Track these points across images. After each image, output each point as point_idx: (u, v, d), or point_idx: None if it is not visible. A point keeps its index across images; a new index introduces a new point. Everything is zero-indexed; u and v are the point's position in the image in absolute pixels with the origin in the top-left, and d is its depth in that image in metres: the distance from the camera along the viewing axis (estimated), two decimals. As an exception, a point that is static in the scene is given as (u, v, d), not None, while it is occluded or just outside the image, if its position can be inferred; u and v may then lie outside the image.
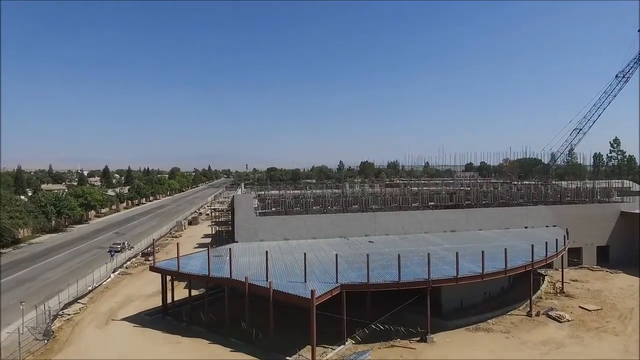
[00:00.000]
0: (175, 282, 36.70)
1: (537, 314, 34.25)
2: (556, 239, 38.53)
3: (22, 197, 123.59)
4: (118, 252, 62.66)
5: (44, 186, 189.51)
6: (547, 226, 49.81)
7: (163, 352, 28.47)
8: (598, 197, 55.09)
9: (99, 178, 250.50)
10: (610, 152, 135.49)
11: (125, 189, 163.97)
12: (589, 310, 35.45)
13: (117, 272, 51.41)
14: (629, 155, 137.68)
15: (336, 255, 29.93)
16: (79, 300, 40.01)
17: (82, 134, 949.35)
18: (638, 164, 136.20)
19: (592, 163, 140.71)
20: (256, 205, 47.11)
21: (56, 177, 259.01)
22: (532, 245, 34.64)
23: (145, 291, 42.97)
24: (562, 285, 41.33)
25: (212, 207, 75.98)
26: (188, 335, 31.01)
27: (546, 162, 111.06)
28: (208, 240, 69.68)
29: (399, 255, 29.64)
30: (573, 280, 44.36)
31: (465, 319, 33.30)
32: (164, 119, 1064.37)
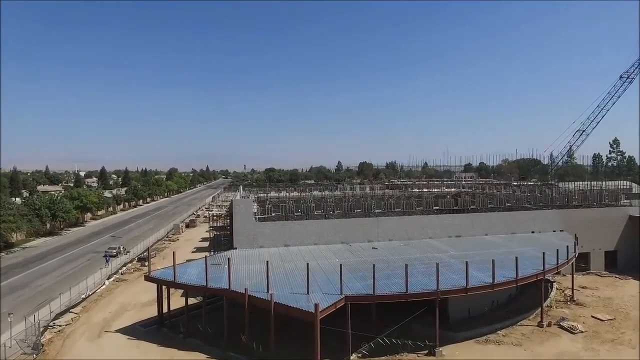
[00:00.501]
0: (172, 290, 35.21)
1: (549, 325, 32.91)
2: (567, 246, 37.20)
3: (18, 199, 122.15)
4: (113, 257, 61.13)
5: (40, 187, 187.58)
6: (554, 231, 48.50)
7: (158, 367, 27.04)
8: (606, 200, 53.82)
9: (96, 179, 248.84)
10: (610, 153, 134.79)
11: (122, 191, 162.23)
12: (602, 320, 34.11)
13: (112, 279, 49.90)
14: (628, 156, 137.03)
15: (340, 265, 28.52)
16: (71, 310, 38.52)
17: (81, 134, 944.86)
18: (638, 165, 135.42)
19: (591, 163, 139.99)
20: (255, 210, 45.65)
21: (53, 178, 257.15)
22: (544, 253, 33.24)
23: (140, 299, 41.51)
24: (573, 293, 40.00)
25: (210, 212, 74.42)
26: (184, 349, 29.55)
27: (545, 162, 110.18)
28: (206, 244, 68.16)
29: (406, 266, 28.23)
30: (582, 287, 43.03)
31: (474, 330, 31.94)
32: (163, 118, 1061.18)
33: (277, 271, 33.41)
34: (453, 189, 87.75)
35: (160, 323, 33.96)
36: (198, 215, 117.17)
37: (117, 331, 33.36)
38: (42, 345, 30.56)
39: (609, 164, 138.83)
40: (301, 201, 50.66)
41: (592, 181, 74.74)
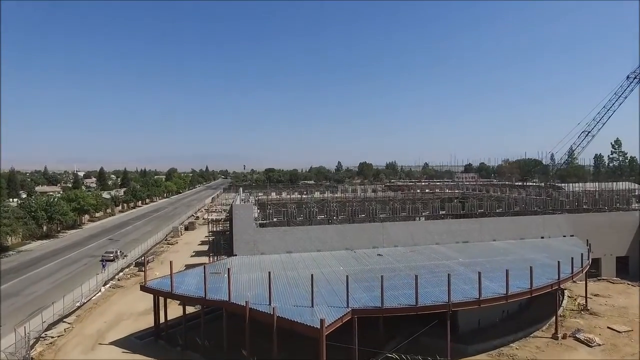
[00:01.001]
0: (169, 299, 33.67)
1: (564, 337, 31.39)
2: (581, 254, 35.69)
3: (16, 199, 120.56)
4: (110, 261, 59.64)
5: (38, 188, 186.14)
6: (564, 236, 47.06)
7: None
8: (617, 205, 52.35)
9: (95, 179, 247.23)
10: (612, 154, 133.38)
11: (121, 191, 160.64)
12: (619, 332, 32.61)
13: (108, 285, 48.38)
14: (630, 157, 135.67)
15: (347, 277, 26.98)
16: (64, 320, 36.94)
17: (80, 134, 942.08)
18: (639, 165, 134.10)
19: (592, 164, 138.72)
20: (256, 215, 44.14)
21: (51, 179, 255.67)
22: (559, 262, 31.76)
23: (137, 308, 39.97)
24: (586, 301, 38.53)
25: (209, 218, 72.90)
26: (182, 364, 28.07)
27: (546, 163, 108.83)
28: (205, 247, 66.49)
29: (416, 277, 26.72)
30: (594, 295, 41.52)
31: (485, 342, 30.46)
32: (163, 118, 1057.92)
33: (279, 281, 31.90)
34: (457, 190, 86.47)
35: (157, 334, 32.46)
36: (197, 217, 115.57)
37: (111, 343, 31.84)
38: (32, 359, 29.06)
39: (611, 164, 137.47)
40: (303, 206, 49.07)
41: (598, 182, 73.44)
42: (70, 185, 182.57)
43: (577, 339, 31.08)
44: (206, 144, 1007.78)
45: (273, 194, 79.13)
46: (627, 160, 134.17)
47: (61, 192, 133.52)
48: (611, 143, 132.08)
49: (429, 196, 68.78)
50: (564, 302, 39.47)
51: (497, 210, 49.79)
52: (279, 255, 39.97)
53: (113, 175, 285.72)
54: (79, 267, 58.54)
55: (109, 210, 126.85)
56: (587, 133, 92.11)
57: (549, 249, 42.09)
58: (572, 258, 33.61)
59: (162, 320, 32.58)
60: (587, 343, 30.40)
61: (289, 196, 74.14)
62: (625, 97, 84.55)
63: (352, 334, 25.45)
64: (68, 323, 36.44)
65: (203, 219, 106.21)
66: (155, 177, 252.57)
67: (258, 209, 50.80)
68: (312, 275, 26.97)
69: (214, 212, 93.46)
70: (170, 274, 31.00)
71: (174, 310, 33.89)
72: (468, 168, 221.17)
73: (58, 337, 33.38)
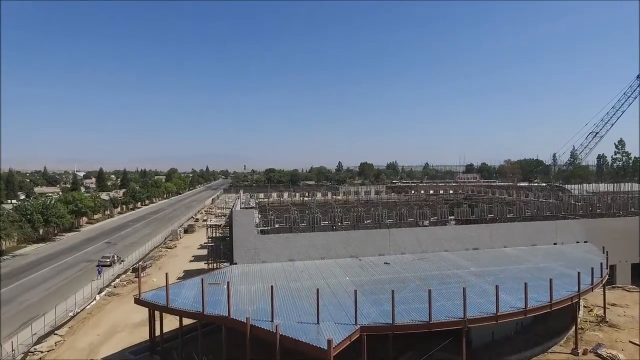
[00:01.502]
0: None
1: (585, 353, 29.56)
2: (600, 263, 33.86)
3: (14, 201, 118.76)
4: (107, 266, 57.89)
5: (37, 189, 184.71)
6: (577, 242, 45.20)
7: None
8: (632, 209, 50.48)
9: (94, 180, 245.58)
10: (615, 154, 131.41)
11: (120, 193, 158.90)
12: (642, 347, 30.77)
13: (103, 293, 46.58)
14: (634, 157, 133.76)
15: (355, 292, 25.13)
16: (55, 332, 35.15)
17: (80, 134, 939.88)
18: None
19: (595, 164, 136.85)
20: (257, 221, 42.29)
21: (51, 179, 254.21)
22: (579, 273, 29.90)
23: (132, 319, 38.18)
24: (604, 312, 36.69)
25: (208, 223, 71.15)
26: (178, 383, 26.26)
27: (547, 164, 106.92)
28: (205, 251, 64.76)
29: (429, 292, 24.87)
30: (611, 305, 39.64)
31: (501, 358, 28.66)
32: (163, 118, 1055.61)
33: (282, 292, 30.06)
34: (460, 192, 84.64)
35: (152, 349, 30.65)
36: (197, 220, 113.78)
37: (104, 359, 30.06)
38: (19, 377, 27.31)
39: (614, 165, 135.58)
40: (306, 211, 47.22)
41: (602, 183, 71.56)
42: (69, 187, 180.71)
43: (599, 355, 29.22)
44: (206, 144, 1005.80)
45: (274, 195, 77.46)
46: (631, 161, 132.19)
47: (60, 194, 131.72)
48: (615, 143, 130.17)
49: (434, 199, 66.93)
50: (581, 312, 37.62)
51: (508, 215, 47.93)
52: (281, 264, 38.14)
53: (113, 176, 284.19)
54: (75, 273, 56.77)
55: (107, 212, 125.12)
56: (595, 134, 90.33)
57: (564, 256, 40.25)
58: (592, 268, 31.78)
59: (157, 333, 30.79)
60: (610, 360, 28.57)
61: (290, 198, 72.41)
62: (635, 98, 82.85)
63: (361, 352, 23.68)
64: (60, 335, 34.66)
65: (203, 221, 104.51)
66: (156, 177, 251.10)
67: (259, 213, 48.97)
68: (317, 290, 25.13)
69: (213, 216, 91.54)
70: (166, 286, 29.11)
71: (171, 322, 32.15)
72: (469, 168, 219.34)
73: (48, 351, 31.57)
